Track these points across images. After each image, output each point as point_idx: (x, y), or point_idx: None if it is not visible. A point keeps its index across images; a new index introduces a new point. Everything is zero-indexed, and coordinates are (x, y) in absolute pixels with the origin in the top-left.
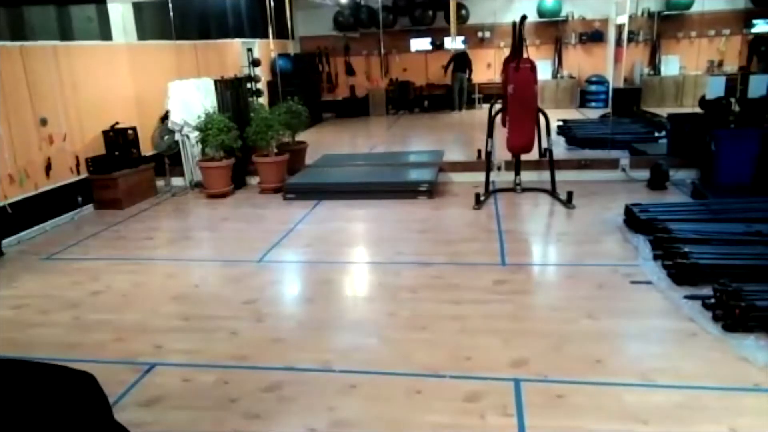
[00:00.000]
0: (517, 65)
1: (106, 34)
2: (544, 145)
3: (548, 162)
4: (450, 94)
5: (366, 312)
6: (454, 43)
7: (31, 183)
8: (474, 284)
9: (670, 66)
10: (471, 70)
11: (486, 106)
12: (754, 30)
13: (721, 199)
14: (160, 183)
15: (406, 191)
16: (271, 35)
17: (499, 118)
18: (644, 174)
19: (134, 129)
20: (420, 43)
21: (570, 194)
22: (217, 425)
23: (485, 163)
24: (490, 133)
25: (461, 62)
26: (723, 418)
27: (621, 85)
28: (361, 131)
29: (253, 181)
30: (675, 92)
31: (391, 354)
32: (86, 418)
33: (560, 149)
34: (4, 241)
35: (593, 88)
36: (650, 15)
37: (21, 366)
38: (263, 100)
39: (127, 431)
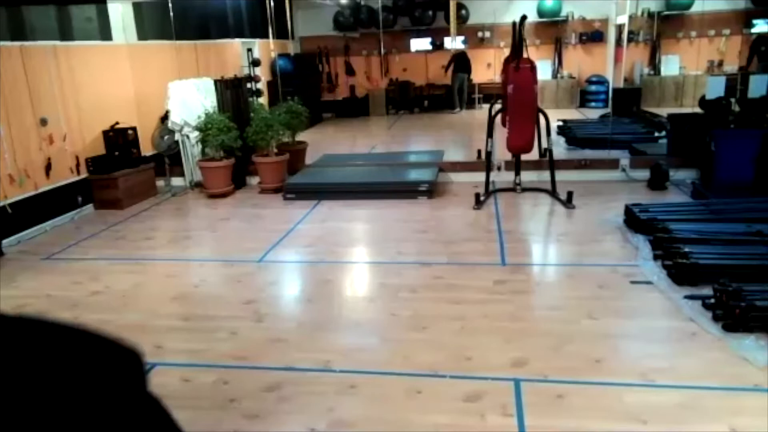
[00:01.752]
0: (517, 65)
1: (106, 34)
2: (544, 145)
3: (548, 162)
4: (450, 94)
5: (366, 312)
6: (454, 43)
7: (31, 183)
8: (474, 284)
9: (670, 66)
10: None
11: (486, 106)
12: (754, 30)
13: (721, 199)
14: (160, 183)
15: (406, 191)
16: (271, 35)
17: (499, 118)
18: (644, 174)
19: (134, 129)
20: (420, 43)
21: (570, 194)
22: (216, 425)
23: (485, 163)
24: (490, 133)
25: (462, 62)
26: (723, 418)
27: (621, 85)
28: (361, 131)
29: (253, 181)
30: (675, 92)
31: (391, 354)
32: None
33: (560, 149)
34: (4, 241)
35: (593, 88)
36: (650, 15)
37: (48, 329)
38: (263, 100)
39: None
